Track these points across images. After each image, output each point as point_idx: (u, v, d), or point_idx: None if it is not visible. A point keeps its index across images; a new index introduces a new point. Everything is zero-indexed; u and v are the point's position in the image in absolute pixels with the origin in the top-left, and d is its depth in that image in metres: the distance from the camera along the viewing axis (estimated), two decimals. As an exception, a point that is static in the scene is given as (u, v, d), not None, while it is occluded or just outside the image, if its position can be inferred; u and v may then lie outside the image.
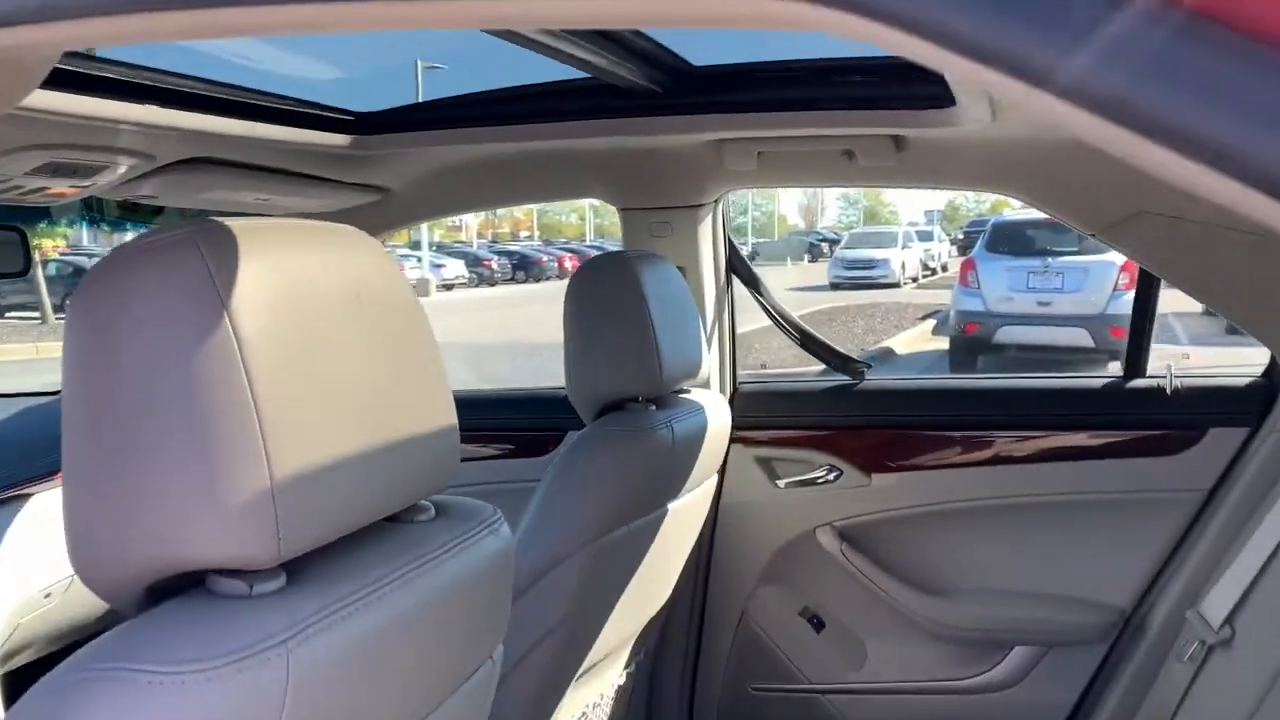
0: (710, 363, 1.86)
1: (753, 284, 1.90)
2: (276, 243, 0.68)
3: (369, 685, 0.69)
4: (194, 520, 0.59)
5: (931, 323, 12.10)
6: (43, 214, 1.62)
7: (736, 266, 1.90)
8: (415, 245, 25.06)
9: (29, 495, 1.58)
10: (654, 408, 1.46)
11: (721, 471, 1.85)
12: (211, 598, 0.63)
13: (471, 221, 30.26)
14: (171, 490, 0.59)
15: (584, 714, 1.55)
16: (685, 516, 1.58)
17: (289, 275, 0.67)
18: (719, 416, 1.62)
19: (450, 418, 0.80)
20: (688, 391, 1.61)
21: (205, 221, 0.66)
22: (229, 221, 0.67)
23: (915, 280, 19.37)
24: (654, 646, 1.80)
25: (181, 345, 0.60)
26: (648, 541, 1.47)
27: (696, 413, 1.53)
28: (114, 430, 0.60)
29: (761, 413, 1.90)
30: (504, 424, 2.00)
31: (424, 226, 25.58)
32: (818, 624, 1.86)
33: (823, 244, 29.15)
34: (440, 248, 25.74)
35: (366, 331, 0.72)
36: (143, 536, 0.60)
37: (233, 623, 0.60)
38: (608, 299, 1.42)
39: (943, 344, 10.44)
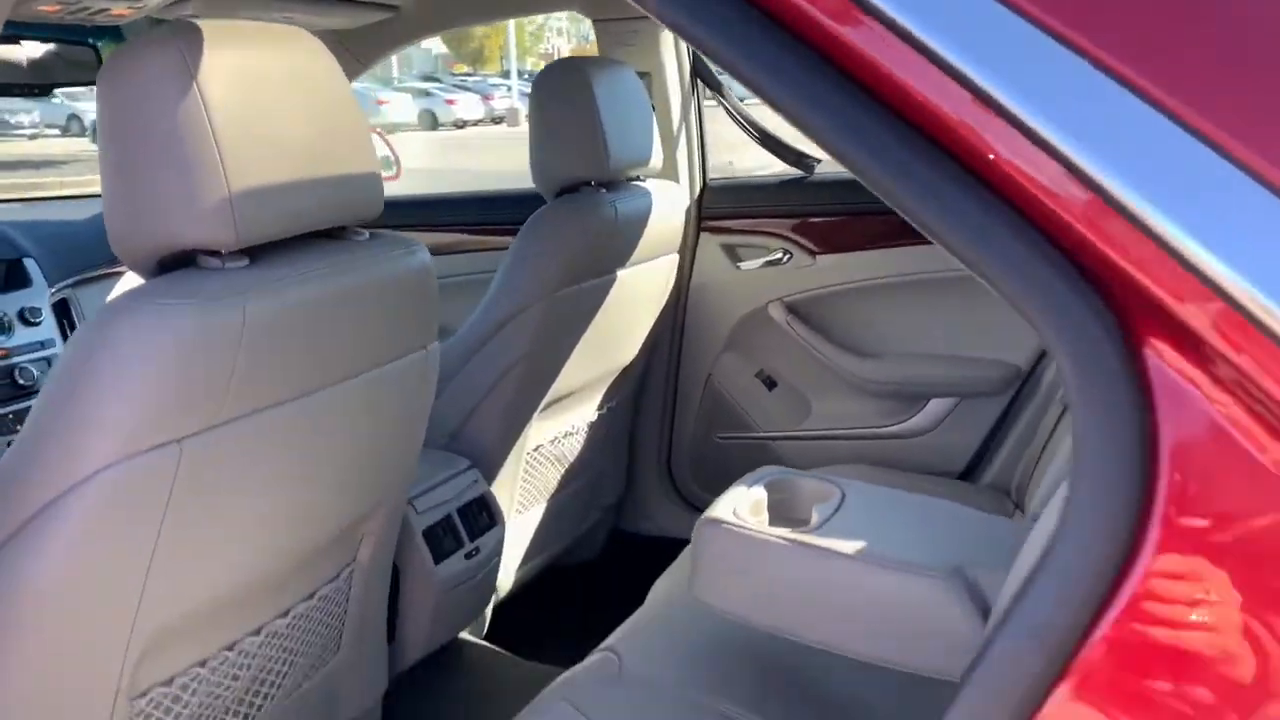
0: (680, 160, 2.14)
1: (716, 88, 2.15)
2: (234, 37, 1.01)
3: (309, 341, 1.05)
4: (178, 214, 0.94)
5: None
6: (115, 33, 1.97)
7: (702, 73, 2.15)
8: (506, 74, 25.02)
9: (123, 272, 2.00)
10: (604, 191, 1.77)
11: (692, 256, 2.17)
12: (198, 270, 0.99)
13: (564, 48, 29.92)
14: (164, 196, 0.94)
15: (555, 439, 1.93)
16: (639, 284, 1.90)
17: (243, 60, 1.00)
18: (668, 203, 1.92)
19: (372, 167, 1.13)
20: (642, 180, 1.90)
21: (183, 22, 0.98)
22: (201, 23, 1.00)
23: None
24: (630, 398, 2.16)
25: (166, 106, 0.94)
26: (599, 300, 1.80)
27: (642, 196, 1.83)
28: (128, 160, 0.95)
29: (726, 204, 2.18)
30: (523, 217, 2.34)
31: (513, 55, 25.38)
32: (770, 383, 2.19)
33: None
34: (531, 76, 25.57)
35: (303, 102, 1.05)
36: (148, 226, 0.95)
37: (209, 282, 0.96)
38: (562, 97, 1.71)
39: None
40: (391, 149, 2.88)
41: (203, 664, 1.13)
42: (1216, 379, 0.44)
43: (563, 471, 1.99)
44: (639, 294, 1.93)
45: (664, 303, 2.05)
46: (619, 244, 1.80)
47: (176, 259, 0.99)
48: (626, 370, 2.05)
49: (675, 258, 2.04)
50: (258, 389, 1.01)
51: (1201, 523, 0.45)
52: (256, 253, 1.02)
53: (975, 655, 0.47)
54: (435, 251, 2.42)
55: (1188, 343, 0.44)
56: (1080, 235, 0.45)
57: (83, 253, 2.09)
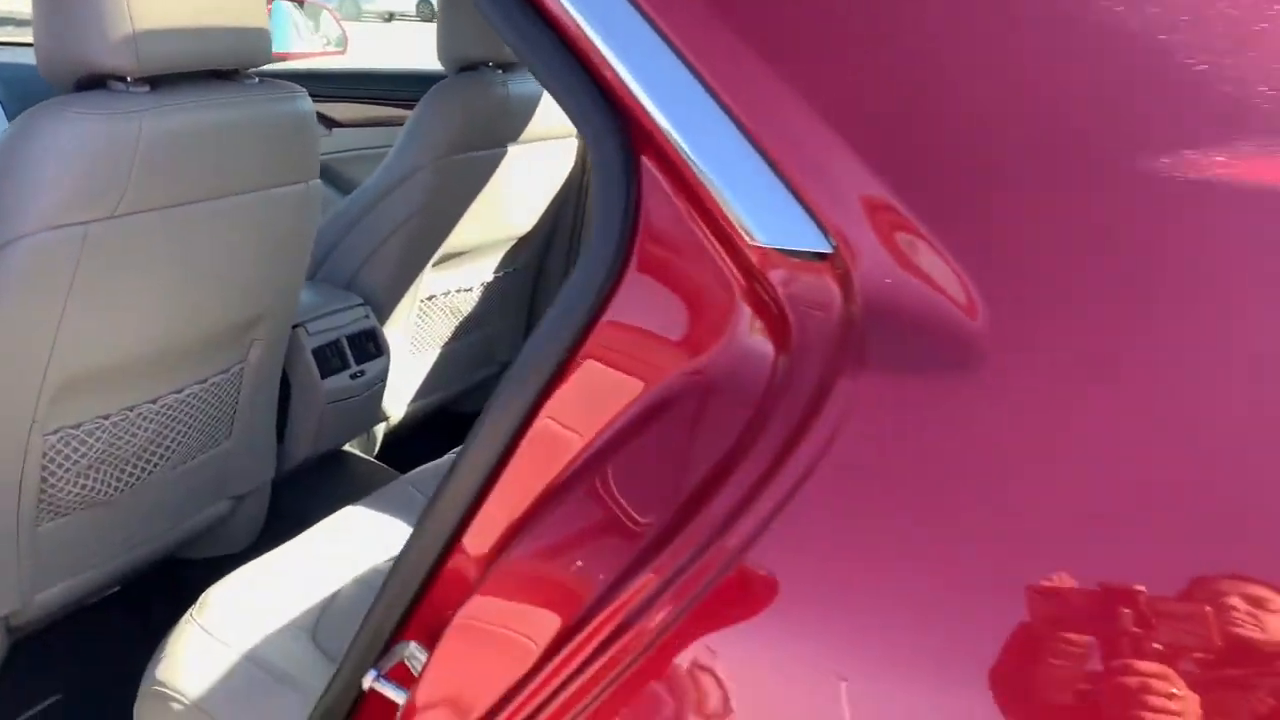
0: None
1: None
2: None
3: (196, 157, 1.31)
4: (90, 43, 1.19)
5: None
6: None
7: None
8: (507, -28, 24.48)
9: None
10: (500, 71, 2.01)
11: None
12: (108, 91, 1.24)
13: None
14: (79, 27, 1.19)
15: (449, 292, 2.20)
16: (533, 161, 2.15)
17: None
18: None
19: (260, 22, 1.37)
20: (541, 67, 2.14)
21: None
22: None
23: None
24: (530, 266, 2.43)
25: None
26: (490, 169, 2.06)
27: (535, 81, 2.07)
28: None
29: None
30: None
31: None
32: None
33: None
34: (532, -23, 25.03)
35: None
36: (66, 51, 1.20)
37: (114, 100, 1.22)
38: None
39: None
40: (341, 28, 3.09)
41: (106, 417, 1.41)
42: (673, 180, 0.71)
43: (457, 323, 2.27)
44: (532, 170, 2.18)
45: (562, 181, 2.31)
46: (509, 121, 2.04)
47: (91, 81, 1.24)
48: (525, 239, 2.31)
49: (575, 142, 2.29)
50: (151, 191, 1.27)
51: (662, 255, 0.72)
52: (158, 82, 1.27)
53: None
54: (358, 124, 2.66)
55: (658, 154, 0.71)
56: (607, 82, 0.71)
57: (42, 94, 2.31)
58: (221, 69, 1.36)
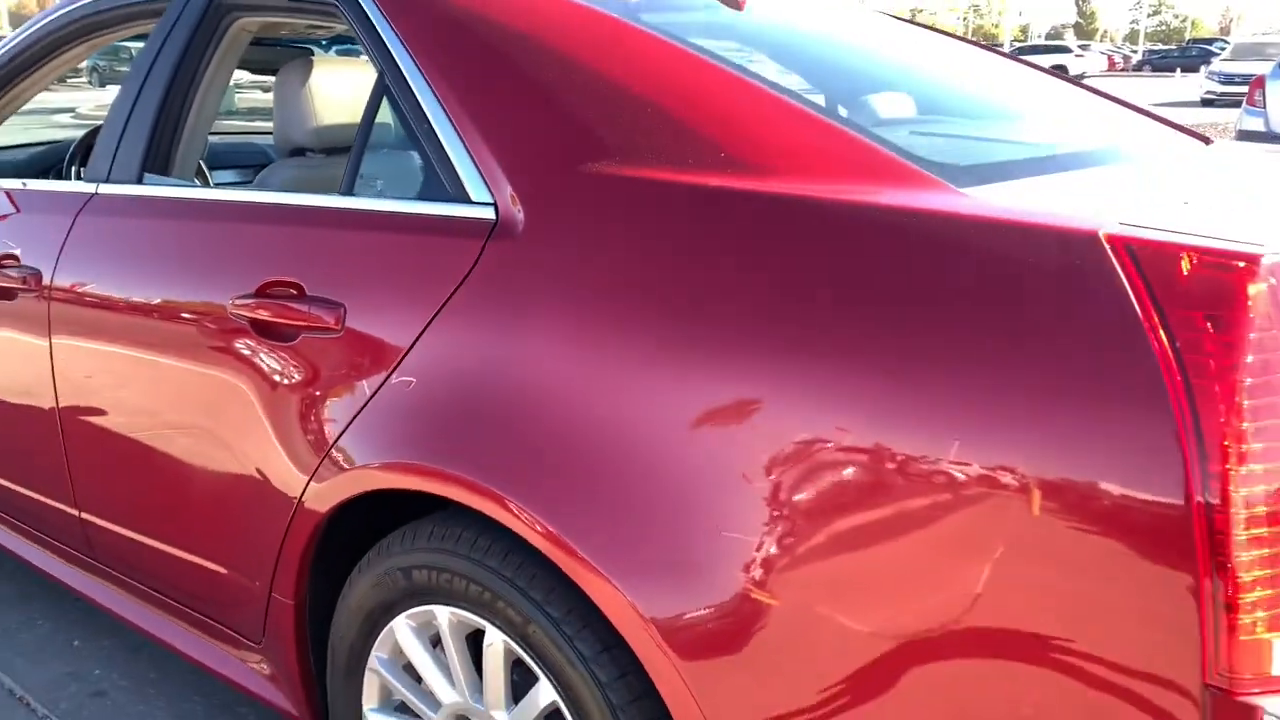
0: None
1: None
2: (330, 65, 2.41)
3: None
4: (295, 134, 2.35)
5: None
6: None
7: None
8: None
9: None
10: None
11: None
12: (305, 156, 2.40)
13: None
14: (291, 125, 2.35)
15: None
16: None
17: (331, 77, 2.40)
18: None
19: None
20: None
21: (311, 60, 2.40)
22: (316, 60, 2.40)
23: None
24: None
25: (295, 90, 2.35)
26: None
27: None
28: (279, 111, 2.37)
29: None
30: None
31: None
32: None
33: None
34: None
35: (357, 98, 2.43)
36: (284, 135, 2.35)
37: (307, 161, 2.35)
38: None
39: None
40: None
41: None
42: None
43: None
44: None
45: None
46: None
47: (296, 151, 2.40)
48: None
49: None
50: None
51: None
52: (331, 151, 2.41)
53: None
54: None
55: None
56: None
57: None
58: None
